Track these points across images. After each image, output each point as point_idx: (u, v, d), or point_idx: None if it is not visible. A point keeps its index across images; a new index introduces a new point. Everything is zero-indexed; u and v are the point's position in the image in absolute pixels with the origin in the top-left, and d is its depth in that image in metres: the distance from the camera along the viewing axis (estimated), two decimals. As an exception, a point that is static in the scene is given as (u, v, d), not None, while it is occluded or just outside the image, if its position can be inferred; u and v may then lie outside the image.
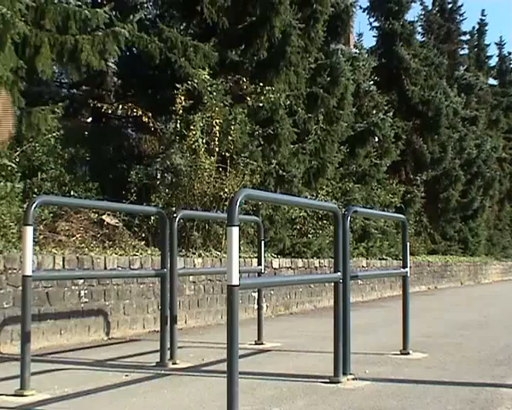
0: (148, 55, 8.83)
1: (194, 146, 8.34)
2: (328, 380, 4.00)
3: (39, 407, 3.45)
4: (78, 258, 5.97)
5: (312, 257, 10.49)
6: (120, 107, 9.39)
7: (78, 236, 7.05)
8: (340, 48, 12.62)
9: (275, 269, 8.94)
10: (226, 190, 8.38)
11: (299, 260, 9.91)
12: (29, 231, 3.72)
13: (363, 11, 18.13)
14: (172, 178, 8.63)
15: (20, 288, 3.93)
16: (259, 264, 6.01)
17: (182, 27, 9.71)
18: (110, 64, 8.83)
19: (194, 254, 7.71)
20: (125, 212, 7.66)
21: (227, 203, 7.98)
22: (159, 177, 8.93)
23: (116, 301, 6.26)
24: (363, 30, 74.80)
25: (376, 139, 14.23)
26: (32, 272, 3.78)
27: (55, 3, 7.10)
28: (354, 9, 12.69)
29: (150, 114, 8.88)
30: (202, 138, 8.42)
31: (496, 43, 29.76)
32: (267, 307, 8.31)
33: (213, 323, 7.40)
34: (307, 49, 10.81)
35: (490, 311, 9.37)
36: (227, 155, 8.71)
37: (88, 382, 4.02)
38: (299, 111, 10.78)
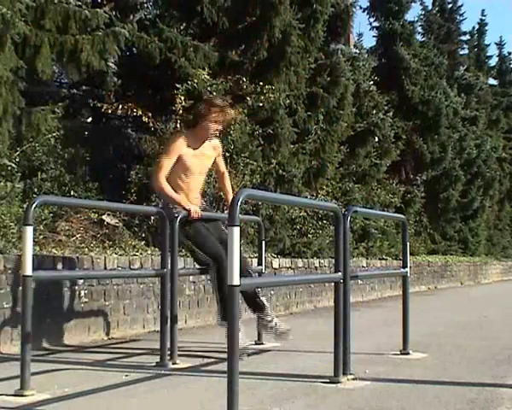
0: (148, 55, 8.83)
1: (194, 146, 8.32)
2: (328, 380, 4.00)
3: (39, 407, 3.45)
4: (78, 258, 5.97)
5: (312, 257, 10.49)
6: (120, 107, 9.38)
7: (78, 236, 7.05)
8: (340, 48, 12.63)
9: (275, 269, 8.94)
10: (226, 189, 8.37)
11: (299, 260, 9.91)
12: (29, 231, 3.72)
13: (363, 11, 18.15)
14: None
15: (21, 288, 3.93)
16: (260, 264, 6.01)
17: (182, 27, 9.71)
18: (110, 64, 8.82)
19: (195, 254, 7.69)
20: (125, 212, 7.66)
21: (227, 203, 7.97)
22: (159, 177, 8.90)
23: (116, 301, 6.26)
24: (363, 30, 74.91)
25: (376, 139, 14.23)
26: (32, 272, 3.77)
27: (55, 3, 7.09)
28: (354, 9, 12.70)
29: (150, 114, 8.88)
30: (202, 138, 8.41)
31: (496, 43, 29.83)
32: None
33: (213, 323, 7.38)
34: (307, 49, 10.81)
35: (490, 311, 9.37)
36: (227, 155, 8.70)
37: (88, 382, 4.02)
38: (299, 111, 10.78)
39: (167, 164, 5.15)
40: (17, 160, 7.08)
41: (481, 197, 21.06)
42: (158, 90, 9.36)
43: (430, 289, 15.67)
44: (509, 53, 31.79)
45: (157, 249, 7.11)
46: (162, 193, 5.20)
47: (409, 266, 5.42)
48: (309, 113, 11.09)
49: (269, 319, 5.22)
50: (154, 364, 4.63)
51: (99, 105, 9.19)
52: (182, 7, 9.65)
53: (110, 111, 9.36)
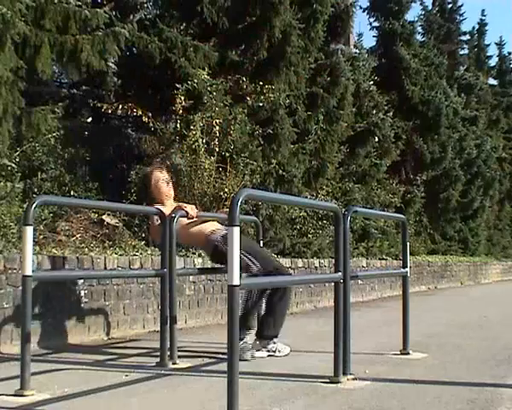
0: (148, 55, 8.83)
1: (194, 146, 8.34)
2: (328, 380, 4.00)
3: (39, 407, 3.45)
4: (78, 258, 5.97)
5: (312, 257, 10.48)
6: (120, 107, 9.38)
7: (78, 236, 7.05)
8: (340, 48, 12.64)
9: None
10: (226, 190, 8.37)
11: (299, 260, 9.91)
12: (29, 231, 3.72)
13: (363, 11, 18.16)
14: (172, 178, 8.61)
15: (20, 288, 3.93)
16: (259, 264, 5.98)
17: (182, 27, 9.71)
18: (110, 64, 8.82)
19: (194, 254, 7.71)
20: (125, 212, 7.66)
21: (227, 203, 7.98)
22: (159, 177, 8.91)
23: (116, 301, 6.26)
24: (363, 30, 74.93)
25: (376, 139, 14.23)
26: (32, 272, 3.77)
27: (55, 3, 7.09)
28: (354, 9, 12.71)
29: (150, 114, 8.88)
30: (202, 138, 8.42)
31: (496, 43, 29.82)
32: (267, 307, 8.29)
33: (213, 323, 7.40)
34: (307, 49, 10.82)
35: (490, 311, 9.37)
36: (227, 155, 8.70)
37: (88, 382, 4.02)
38: (299, 111, 10.79)
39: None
40: (17, 160, 7.08)
41: (481, 197, 21.05)
42: (158, 90, 9.36)
43: (430, 289, 15.67)
44: (509, 53, 31.79)
45: (157, 249, 7.11)
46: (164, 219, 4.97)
47: (409, 266, 5.42)
48: (309, 113, 11.10)
49: (271, 346, 5.07)
50: (154, 364, 4.63)
51: (99, 105, 9.20)
52: (182, 7, 9.65)
53: (110, 111, 9.38)
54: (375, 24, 18.31)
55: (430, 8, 25.01)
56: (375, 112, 14.38)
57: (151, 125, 8.85)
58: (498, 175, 22.90)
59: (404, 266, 5.38)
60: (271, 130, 9.58)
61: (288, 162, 10.25)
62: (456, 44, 25.75)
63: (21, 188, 6.70)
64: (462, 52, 26.60)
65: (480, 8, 54.25)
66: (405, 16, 18.34)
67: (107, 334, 6.14)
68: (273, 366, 4.63)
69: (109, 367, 4.63)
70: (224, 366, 2.94)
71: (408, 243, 5.43)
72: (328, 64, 11.81)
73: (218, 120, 8.57)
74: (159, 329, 4.94)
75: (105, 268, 6.15)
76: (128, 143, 9.29)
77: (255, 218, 6.99)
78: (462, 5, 25.85)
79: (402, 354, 5.12)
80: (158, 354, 4.67)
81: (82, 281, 5.90)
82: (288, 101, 10.04)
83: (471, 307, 10.59)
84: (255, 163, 9.10)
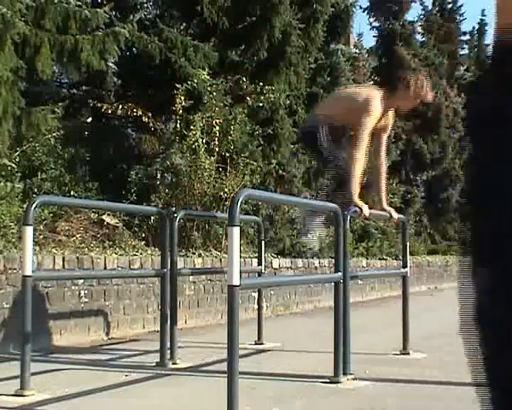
0: (148, 55, 8.85)
1: (194, 146, 8.35)
2: (328, 380, 4.00)
3: (39, 407, 3.45)
4: (78, 258, 5.96)
5: (312, 257, 10.48)
6: (120, 107, 9.39)
7: (78, 236, 7.05)
8: (340, 48, 12.67)
9: (275, 269, 8.93)
10: (226, 190, 8.38)
11: (299, 260, 9.91)
12: (29, 231, 3.72)
13: (363, 11, 18.17)
14: (172, 178, 8.63)
15: (20, 288, 3.93)
16: (259, 264, 6.00)
17: (182, 27, 9.73)
18: (110, 64, 8.84)
19: (194, 254, 7.71)
20: (125, 212, 7.66)
21: (227, 203, 7.99)
22: (159, 177, 8.94)
23: (116, 301, 6.26)
24: (363, 30, 74.92)
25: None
26: (32, 272, 3.77)
27: (55, 3, 7.10)
28: (354, 9, 12.75)
29: (150, 114, 8.89)
30: (202, 138, 8.43)
31: (496, 43, 29.80)
32: (267, 307, 8.31)
33: (213, 323, 7.39)
34: (307, 49, 10.84)
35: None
36: (227, 155, 8.71)
37: (88, 382, 4.02)
38: (299, 111, 10.79)
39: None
40: (17, 160, 7.09)
41: (481, 197, 21.04)
42: (158, 90, 9.37)
43: (430, 289, 15.66)
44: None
45: (157, 249, 7.11)
46: None
47: (409, 266, 5.42)
48: (309, 113, 11.11)
49: None
50: (154, 364, 4.63)
51: (99, 105, 9.20)
52: (182, 7, 9.67)
53: (110, 111, 9.38)
54: (375, 24, 18.34)
55: (430, 8, 25.03)
56: (375, 112, 14.37)
57: (151, 125, 8.85)
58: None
59: (404, 266, 5.39)
60: (271, 130, 9.59)
61: (288, 162, 10.26)
62: (456, 44, 25.75)
63: (21, 188, 6.70)
64: (462, 52, 26.61)
65: (480, 8, 54.24)
66: (405, 16, 18.38)
67: (107, 334, 6.14)
68: (273, 366, 4.64)
69: (109, 367, 4.63)
70: (224, 366, 2.94)
71: (408, 243, 5.44)
72: (328, 64, 11.84)
73: (218, 120, 8.58)
74: (159, 329, 4.94)
75: (105, 268, 6.14)
76: (128, 143, 9.30)
77: (257, 218, 7.00)
78: (462, 5, 25.85)
79: (402, 354, 5.12)
80: (158, 354, 4.67)
81: (82, 281, 5.89)
82: (288, 101, 10.05)
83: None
84: (255, 163, 9.11)
